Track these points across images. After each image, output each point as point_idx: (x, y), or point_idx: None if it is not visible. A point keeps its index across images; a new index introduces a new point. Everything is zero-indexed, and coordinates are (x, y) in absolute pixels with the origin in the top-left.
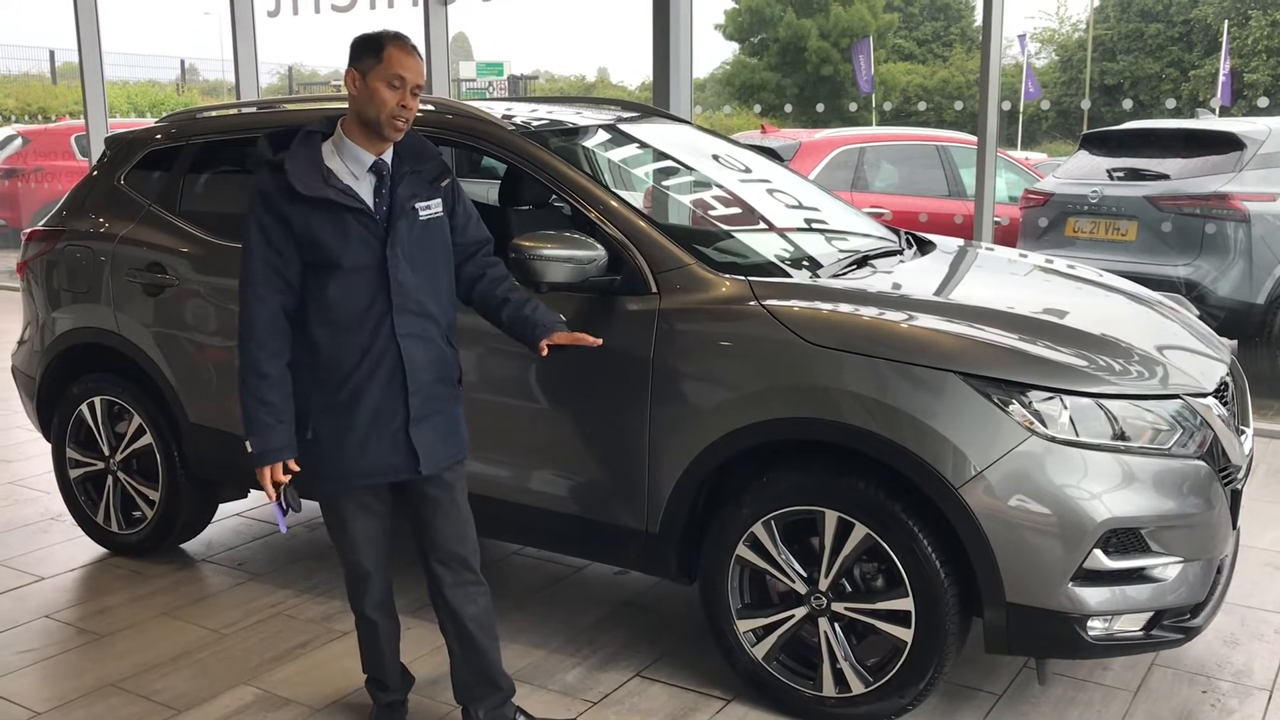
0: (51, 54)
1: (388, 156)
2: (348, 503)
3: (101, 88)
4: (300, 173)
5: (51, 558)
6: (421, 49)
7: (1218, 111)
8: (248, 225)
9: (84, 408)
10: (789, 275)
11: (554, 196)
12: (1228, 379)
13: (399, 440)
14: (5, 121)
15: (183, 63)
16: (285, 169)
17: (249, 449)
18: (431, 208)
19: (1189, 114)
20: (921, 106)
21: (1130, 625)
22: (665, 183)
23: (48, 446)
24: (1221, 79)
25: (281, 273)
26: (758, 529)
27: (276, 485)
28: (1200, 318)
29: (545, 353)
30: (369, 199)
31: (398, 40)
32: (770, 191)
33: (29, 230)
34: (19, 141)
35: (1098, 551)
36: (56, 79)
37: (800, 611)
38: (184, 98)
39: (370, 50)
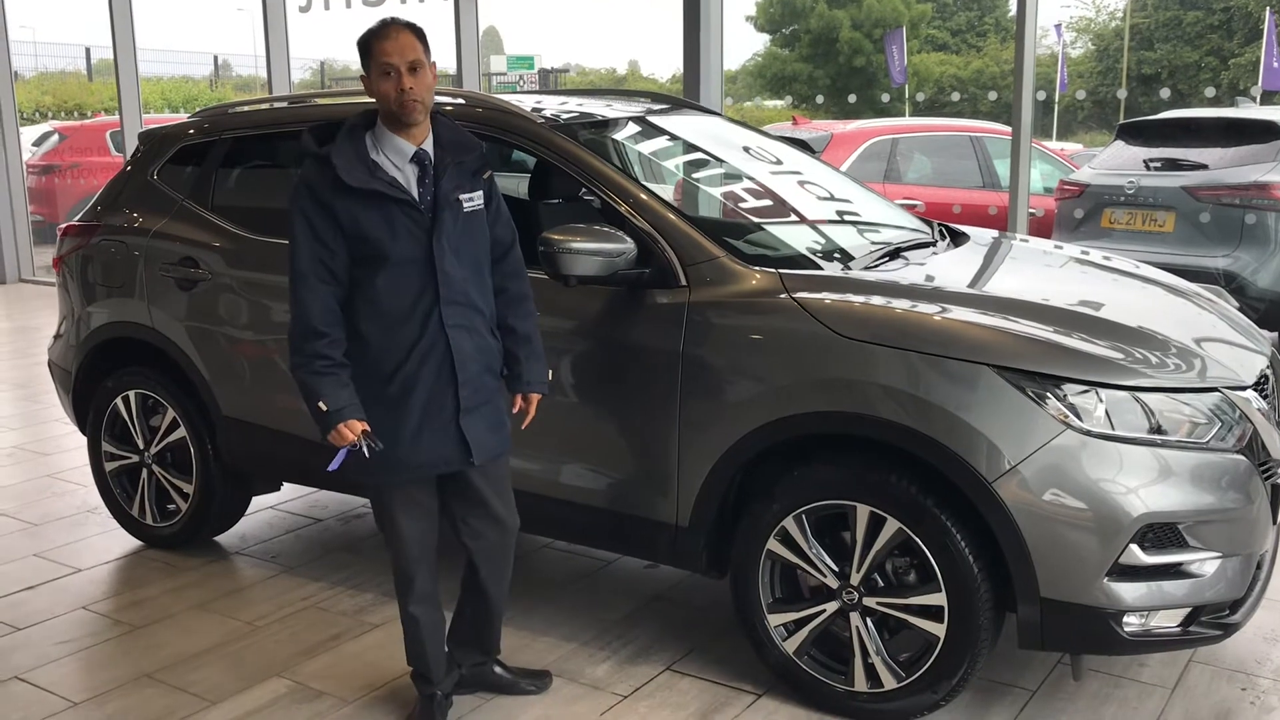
0: (87, 51)
1: (429, 146)
2: (397, 498)
3: (136, 84)
4: (347, 165)
5: (88, 550)
6: (452, 43)
7: (1259, 100)
8: (293, 218)
9: (119, 401)
10: (820, 268)
11: (583, 189)
12: (1268, 372)
13: (450, 431)
14: (42, 118)
15: (216, 58)
16: (332, 161)
17: (322, 408)
18: (475, 200)
19: (1228, 103)
20: (955, 97)
21: (1167, 621)
22: (695, 175)
23: (84, 440)
24: (1265, 65)
25: (328, 264)
26: (789, 523)
27: (355, 436)
28: (1240, 310)
29: (516, 408)
30: (413, 190)
31: (379, 31)
32: (801, 183)
33: (64, 225)
34: (55, 138)
35: (1134, 546)
36: (92, 76)
37: (832, 606)
38: (217, 93)
39: (362, 52)
